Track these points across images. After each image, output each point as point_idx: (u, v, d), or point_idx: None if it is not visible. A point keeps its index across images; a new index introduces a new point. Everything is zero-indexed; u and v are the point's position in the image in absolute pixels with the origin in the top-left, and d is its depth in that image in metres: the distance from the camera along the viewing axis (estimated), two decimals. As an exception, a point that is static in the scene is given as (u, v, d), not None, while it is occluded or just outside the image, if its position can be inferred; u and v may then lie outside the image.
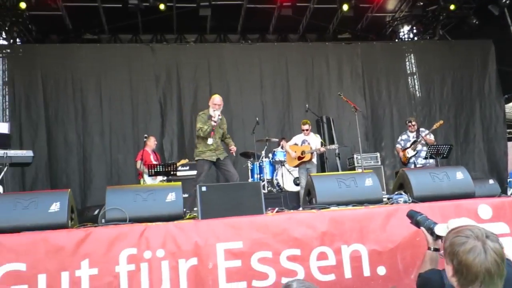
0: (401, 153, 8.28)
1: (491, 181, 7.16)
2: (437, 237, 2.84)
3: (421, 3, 11.58)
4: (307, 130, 7.89)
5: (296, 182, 8.55)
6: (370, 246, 3.95)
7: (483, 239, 1.92)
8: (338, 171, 9.18)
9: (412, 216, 3.05)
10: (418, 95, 12.41)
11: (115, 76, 10.81)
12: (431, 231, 2.87)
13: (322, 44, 12.45)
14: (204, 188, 4.01)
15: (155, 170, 7.30)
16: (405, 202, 4.43)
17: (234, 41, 12.89)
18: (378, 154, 9.19)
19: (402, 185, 4.78)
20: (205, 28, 12.57)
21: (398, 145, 8.46)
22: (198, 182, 6.13)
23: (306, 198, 4.78)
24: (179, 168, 8.05)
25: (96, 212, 6.87)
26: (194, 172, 8.75)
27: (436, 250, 2.85)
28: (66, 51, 10.91)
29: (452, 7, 10.86)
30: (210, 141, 6.40)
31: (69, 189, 4.27)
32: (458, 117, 12.03)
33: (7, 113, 10.62)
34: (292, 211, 4.54)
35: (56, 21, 11.53)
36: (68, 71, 10.55)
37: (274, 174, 8.68)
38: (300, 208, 6.75)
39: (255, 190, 4.09)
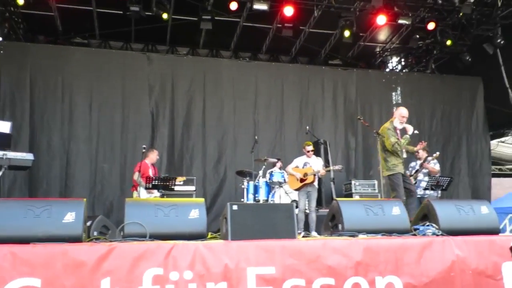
0: None
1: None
2: None
3: (417, 36, 11.74)
4: (312, 151, 7.71)
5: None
6: (405, 279, 3.81)
7: None
8: (332, 196, 9.05)
9: None
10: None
11: (108, 82, 10.40)
12: None
13: (319, 68, 12.45)
14: (235, 207, 3.77)
15: (153, 183, 6.95)
16: (434, 234, 4.30)
17: (226, 57, 12.75)
18: (376, 182, 9.14)
19: (426, 216, 4.67)
20: (198, 42, 12.42)
21: (407, 172, 8.39)
22: (401, 196, 5.98)
23: (328, 224, 4.59)
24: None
25: (88, 224, 6.46)
26: (190, 188, 8.61)
27: None
28: (58, 52, 10.45)
29: (448, 42, 11.09)
30: (404, 154, 6.37)
31: (85, 199, 3.94)
32: (445, 151, 12.15)
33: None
34: (326, 237, 4.33)
35: (46, 22, 11.12)
36: (58, 73, 10.09)
37: (270, 195, 8.45)
38: (313, 233, 6.60)
39: (288, 213, 3.88)
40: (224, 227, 3.93)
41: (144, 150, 7.52)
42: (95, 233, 5.53)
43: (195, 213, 3.97)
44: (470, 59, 11.70)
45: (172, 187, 7.10)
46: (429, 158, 8.05)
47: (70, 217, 3.71)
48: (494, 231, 4.55)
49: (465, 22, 11.12)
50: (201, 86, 10.99)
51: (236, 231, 3.75)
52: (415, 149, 6.95)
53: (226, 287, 3.48)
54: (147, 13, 9.85)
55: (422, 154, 8.13)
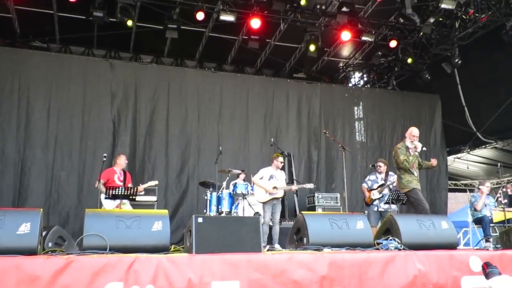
0: (366, 193, 8.24)
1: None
2: None
3: (380, 53, 12.04)
4: (282, 162, 7.66)
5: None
6: (369, 294, 3.80)
7: None
8: (295, 208, 9.07)
9: (488, 266, 3.05)
10: (363, 140, 12.74)
11: (68, 88, 10.07)
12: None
13: (284, 80, 12.54)
14: (200, 220, 3.68)
15: (114, 192, 6.73)
16: (396, 248, 4.35)
17: (190, 67, 12.65)
18: (338, 195, 9.21)
19: (389, 230, 4.72)
20: (163, 51, 12.28)
21: (364, 184, 8.40)
22: (424, 209, 6.06)
23: (293, 237, 4.56)
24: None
25: (43, 234, 6.17)
26: (152, 198, 8.41)
27: None
28: (15, 55, 10.02)
29: (409, 60, 11.46)
30: (416, 173, 6.52)
31: (41, 209, 3.75)
32: (405, 165, 12.42)
33: None
34: (292, 251, 4.29)
35: (3, 24, 10.69)
36: (15, 77, 9.69)
37: (234, 207, 8.35)
38: (276, 245, 6.53)
39: (254, 226, 3.82)
40: (188, 240, 3.82)
41: (104, 159, 7.28)
42: (50, 245, 5.28)
43: (159, 225, 3.85)
44: (429, 77, 12.12)
45: (134, 197, 6.91)
46: (391, 173, 8.16)
47: (25, 228, 3.52)
48: (453, 246, 4.66)
49: (425, 41, 11.52)
50: (165, 95, 10.84)
51: (201, 244, 3.65)
52: (434, 164, 7.14)
53: (189, 302, 3.38)
54: (111, 19, 9.65)
55: (384, 168, 8.23)
